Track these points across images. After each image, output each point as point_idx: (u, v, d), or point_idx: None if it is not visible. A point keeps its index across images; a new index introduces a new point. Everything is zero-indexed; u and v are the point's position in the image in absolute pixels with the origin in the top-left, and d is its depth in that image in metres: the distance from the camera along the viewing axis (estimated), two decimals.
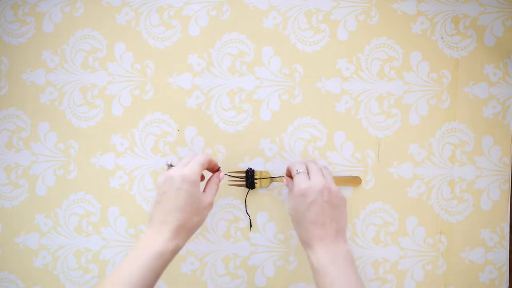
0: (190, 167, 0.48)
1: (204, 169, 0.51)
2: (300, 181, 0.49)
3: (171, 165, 0.50)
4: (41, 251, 0.62)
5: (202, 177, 0.54)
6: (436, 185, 0.59)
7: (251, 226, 0.59)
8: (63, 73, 0.62)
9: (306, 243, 0.48)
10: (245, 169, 0.58)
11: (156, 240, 0.45)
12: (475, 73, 0.59)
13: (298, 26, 0.60)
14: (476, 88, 0.59)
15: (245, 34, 0.60)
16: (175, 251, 0.46)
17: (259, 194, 0.60)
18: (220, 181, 0.53)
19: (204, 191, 0.51)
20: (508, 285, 0.58)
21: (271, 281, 0.60)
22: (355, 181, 0.58)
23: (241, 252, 0.60)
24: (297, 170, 0.51)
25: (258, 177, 0.58)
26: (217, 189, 0.52)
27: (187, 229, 0.47)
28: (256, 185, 0.58)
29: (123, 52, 0.61)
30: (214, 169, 0.54)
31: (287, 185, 0.54)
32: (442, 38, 0.59)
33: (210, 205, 0.50)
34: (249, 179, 0.57)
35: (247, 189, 0.59)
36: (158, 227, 0.46)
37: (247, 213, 0.59)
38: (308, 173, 0.51)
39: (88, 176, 0.61)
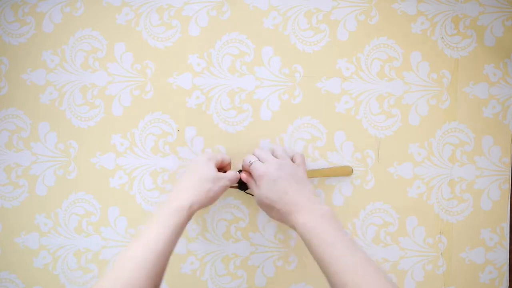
0: (206, 153, 0.56)
1: (220, 158, 0.55)
2: (257, 168, 0.52)
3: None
4: (41, 251, 0.62)
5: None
6: (436, 185, 0.59)
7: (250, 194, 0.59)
8: (63, 73, 0.62)
9: (287, 214, 0.49)
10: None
11: (172, 201, 0.49)
12: (475, 73, 0.59)
13: (298, 26, 0.60)
14: (476, 88, 0.59)
15: (245, 34, 0.60)
16: (191, 210, 0.49)
17: None
18: (236, 178, 0.55)
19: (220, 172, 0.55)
20: (508, 285, 0.58)
21: (271, 281, 0.60)
22: (346, 171, 0.58)
23: (241, 252, 0.60)
24: (250, 162, 0.53)
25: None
26: (233, 178, 0.54)
27: (199, 191, 0.50)
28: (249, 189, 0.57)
29: (123, 52, 0.61)
30: (226, 168, 0.58)
31: (247, 182, 0.55)
32: (442, 38, 0.59)
33: (220, 180, 0.52)
34: (241, 180, 0.56)
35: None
36: (175, 192, 0.51)
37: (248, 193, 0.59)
38: (259, 160, 0.54)
39: (88, 176, 0.61)
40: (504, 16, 0.58)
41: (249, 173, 0.54)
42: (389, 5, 0.59)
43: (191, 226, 0.61)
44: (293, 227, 0.49)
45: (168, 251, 0.45)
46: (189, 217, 0.49)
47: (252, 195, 0.58)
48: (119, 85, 0.61)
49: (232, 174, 0.54)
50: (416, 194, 0.59)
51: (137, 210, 0.61)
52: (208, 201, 0.51)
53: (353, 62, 0.59)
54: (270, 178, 0.50)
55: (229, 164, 0.57)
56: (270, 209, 0.51)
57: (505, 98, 0.58)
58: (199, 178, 0.51)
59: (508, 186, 0.58)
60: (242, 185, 0.56)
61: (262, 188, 0.51)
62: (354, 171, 0.59)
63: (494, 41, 0.58)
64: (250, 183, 0.54)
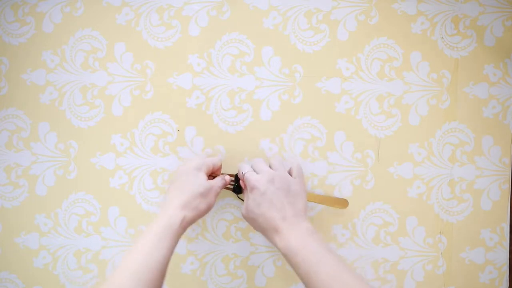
0: (196, 159, 0.54)
1: (211, 164, 0.54)
2: (249, 179, 0.51)
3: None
4: (41, 251, 0.62)
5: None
6: (436, 185, 0.59)
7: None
8: (63, 73, 0.62)
9: (268, 231, 0.48)
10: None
11: (164, 215, 0.48)
12: (475, 73, 0.59)
13: (298, 26, 0.60)
14: (476, 88, 0.59)
15: (245, 34, 0.60)
16: (183, 224, 0.48)
17: None
18: (225, 181, 0.55)
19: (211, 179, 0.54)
20: (508, 285, 0.58)
21: (271, 281, 0.60)
22: (341, 203, 0.58)
23: (241, 252, 0.60)
24: (242, 173, 0.52)
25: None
26: (223, 184, 0.54)
27: (191, 206, 0.49)
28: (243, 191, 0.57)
29: (123, 52, 0.61)
30: (217, 173, 0.57)
31: (244, 189, 0.54)
32: (442, 38, 0.59)
33: (211, 190, 0.52)
34: (236, 183, 0.56)
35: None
36: (166, 205, 0.49)
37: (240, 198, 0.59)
38: (254, 170, 0.52)
39: (88, 176, 0.61)
40: (504, 16, 0.58)
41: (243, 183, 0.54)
42: (389, 5, 0.59)
43: (191, 226, 0.60)
44: (274, 245, 0.48)
45: (160, 274, 0.44)
46: (181, 233, 0.48)
47: (243, 200, 0.58)
48: (119, 85, 0.61)
49: (219, 181, 0.54)
50: (416, 194, 0.59)
51: (137, 210, 0.61)
52: (202, 214, 0.51)
53: (353, 62, 0.59)
54: (259, 191, 0.49)
55: (220, 167, 0.57)
56: (252, 222, 0.50)
57: (505, 98, 0.58)
58: (190, 193, 0.50)
59: (508, 186, 0.58)
60: (236, 188, 0.56)
61: (249, 200, 0.50)
62: (354, 171, 0.59)
63: (494, 41, 0.58)
64: (245, 192, 0.53)
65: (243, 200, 0.57)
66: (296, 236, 0.46)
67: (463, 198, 0.59)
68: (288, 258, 0.46)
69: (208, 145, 0.60)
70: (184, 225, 0.48)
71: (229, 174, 0.57)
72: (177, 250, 0.60)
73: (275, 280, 0.60)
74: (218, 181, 0.54)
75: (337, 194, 0.59)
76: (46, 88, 0.62)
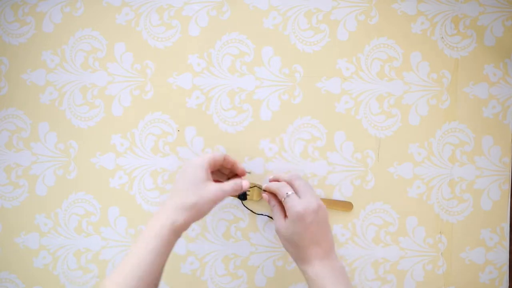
0: (201, 156, 0.50)
1: (216, 160, 0.50)
2: (295, 204, 0.48)
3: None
4: (41, 251, 0.62)
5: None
6: (436, 185, 0.59)
7: (269, 217, 0.59)
8: (63, 73, 0.62)
9: (302, 261, 0.48)
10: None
11: (157, 219, 0.45)
12: (475, 73, 0.59)
13: (298, 26, 0.60)
14: (476, 88, 0.59)
15: (245, 34, 0.60)
16: (174, 230, 0.45)
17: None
18: (240, 187, 0.51)
19: (217, 182, 0.50)
20: (508, 285, 0.58)
21: (271, 281, 0.60)
22: (346, 206, 0.58)
23: (241, 252, 0.60)
24: (287, 194, 0.49)
25: (251, 191, 0.57)
26: (232, 189, 0.50)
27: (185, 207, 0.46)
28: (248, 197, 0.57)
29: (123, 52, 0.61)
30: (233, 169, 0.54)
31: (268, 201, 0.53)
32: (442, 38, 0.59)
33: (215, 195, 0.48)
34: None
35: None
36: (160, 208, 0.47)
37: (257, 213, 0.59)
38: (296, 192, 0.50)
39: (88, 176, 0.61)
40: (504, 16, 0.58)
41: (272, 195, 0.52)
42: (389, 5, 0.59)
43: (191, 226, 0.60)
44: (304, 272, 0.48)
45: (153, 274, 0.43)
46: (172, 238, 0.45)
47: (250, 209, 0.58)
48: (119, 85, 0.61)
49: (228, 185, 0.49)
50: (416, 194, 0.59)
51: (137, 210, 0.61)
52: (197, 216, 0.47)
53: (353, 62, 0.59)
54: (305, 222, 0.47)
55: (228, 161, 0.52)
56: (289, 244, 0.49)
57: (505, 98, 0.58)
58: (184, 194, 0.46)
59: (508, 186, 0.58)
60: (241, 195, 0.56)
61: (291, 225, 0.48)
62: (354, 171, 0.59)
63: (494, 41, 0.58)
64: (275, 212, 0.51)
65: (250, 210, 0.57)
66: (329, 272, 0.47)
67: (463, 198, 0.59)
68: (313, 285, 0.47)
69: (208, 145, 0.60)
70: (176, 232, 0.46)
71: (252, 184, 0.56)
72: (177, 250, 0.60)
73: (275, 280, 0.60)
74: (226, 185, 0.49)
75: (337, 194, 0.59)
76: (46, 88, 0.62)
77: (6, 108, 0.63)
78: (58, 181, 0.62)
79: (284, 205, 0.49)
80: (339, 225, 0.59)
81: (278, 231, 0.50)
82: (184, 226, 0.46)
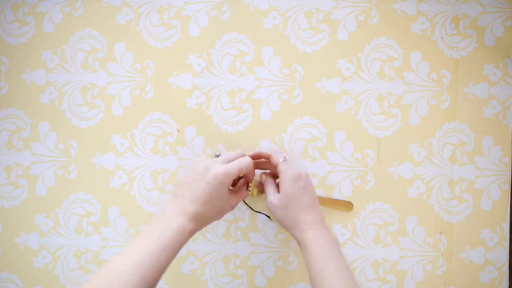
0: (227, 167, 0.47)
1: (241, 174, 0.49)
2: (290, 167, 0.49)
3: (218, 155, 0.51)
4: (41, 251, 0.62)
5: (237, 179, 0.53)
6: (436, 185, 0.59)
7: (269, 217, 0.59)
8: (63, 73, 0.62)
9: (295, 228, 0.49)
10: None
11: (175, 219, 0.46)
12: (475, 73, 0.59)
13: (298, 26, 0.60)
14: (476, 88, 0.59)
15: (245, 34, 0.60)
16: (192, 233, 0.47)
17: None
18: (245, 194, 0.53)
19: (232, 191, 0.50)
20: (508, 285, 0.58)
21: (271, 281, 0.60)
22: (346, 205, 0.58)
23: (241, 252, 0.60)
24: (284, 158, 0.50)
25: (252, 187, 0.57)
26: (245, 195, 0.53)
27: (204, 218, 0.48)
28: (249, 193, 0.57)
29: (123, 52, 0.61)
30: (251, 176, 0.53)
31: (264, 181, 0.53)
32: (442, 38, 0.59)
33: (232, 207, 0.51)
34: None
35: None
36: (180, 208, 0.47)
37: (255, 211, 0.59)
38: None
39: (88, 176, 0.61)
40: (504, 16, 0.58)
41: (269, 175, 0.53)
42: (389, 5, 0.59)
43: None
44: (300, 238, 0.48)
45: (157, 269, 0.43)
46: (188, 238, 0.47)
47: (250, 206, 0.58)
48: (119, 85, 0.61)
49: (243, 194, 0.52)
50: (416, 194, 0.59)
51: (137, 210, 0.61)
52: (203, 222, 0.48)
53: (353, 62, 0.59)
54: (300, 184, 0.48)
55: (270, 156, 0.52)
56: (281, 206, 0.49)
57: (505, 98, 0.58)
58: (192, 198, 0.47)
59: (508, 186, 0.58)
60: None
61: (287, 187, 0.48)
62: (354, 171, 0.59)
63: (494, 41, 0.58)
64: (268, 185, 0.51)
65: (247, 205, 0.57)
66: (323, 241, 0.48)
67: (463, 198, 0.59)
68: (308, 253, 0.47)
69: (208, 145, 0.60)
70: (191, 234, 0.47)
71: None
72: None
73: (275, 280, 0.60)
74: (239, 196, 0.51)
75: (337, 194, 0.59)
76: (46, 88, 0.62)
77: (6, 108, 0.63)
78: (58, 181, 0.62)
79: (278, 168, 0.50)
80: (339, 225, 0.59)
81: (271, 203, 0.50)
82: (200, 230, 0.48)
